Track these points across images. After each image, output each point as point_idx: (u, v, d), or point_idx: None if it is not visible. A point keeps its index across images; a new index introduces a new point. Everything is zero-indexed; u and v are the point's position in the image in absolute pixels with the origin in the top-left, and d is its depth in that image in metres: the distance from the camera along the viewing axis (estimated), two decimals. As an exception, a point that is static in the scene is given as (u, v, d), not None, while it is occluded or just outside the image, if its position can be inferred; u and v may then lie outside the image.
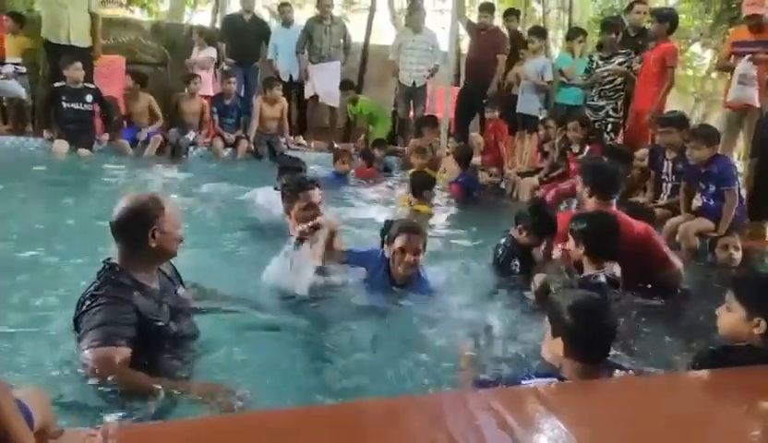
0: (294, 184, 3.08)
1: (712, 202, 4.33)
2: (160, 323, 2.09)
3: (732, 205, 4.20)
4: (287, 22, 7.96)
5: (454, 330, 2.68)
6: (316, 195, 3.02)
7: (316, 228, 2.95)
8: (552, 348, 1.97)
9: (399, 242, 2.81)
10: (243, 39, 7.70)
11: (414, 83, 7.64)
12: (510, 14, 7.95)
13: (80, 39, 6.77)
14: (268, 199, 4.29)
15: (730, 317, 2.19)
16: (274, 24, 8.54)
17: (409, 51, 7.57)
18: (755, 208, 4.81)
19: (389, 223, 2.98)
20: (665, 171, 4.89)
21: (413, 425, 1.63)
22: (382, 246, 2.97)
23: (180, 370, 2.10)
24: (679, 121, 4.77)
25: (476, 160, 6.79)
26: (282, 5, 8.23)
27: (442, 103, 8.53)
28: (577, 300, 1.96)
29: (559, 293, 2.66)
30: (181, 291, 2.33)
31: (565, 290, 2.24)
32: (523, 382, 1.86)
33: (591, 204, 3.32)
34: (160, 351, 2.09)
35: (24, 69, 7.01)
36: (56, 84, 6.52)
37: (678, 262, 3.30)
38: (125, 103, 7.11)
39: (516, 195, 6.22)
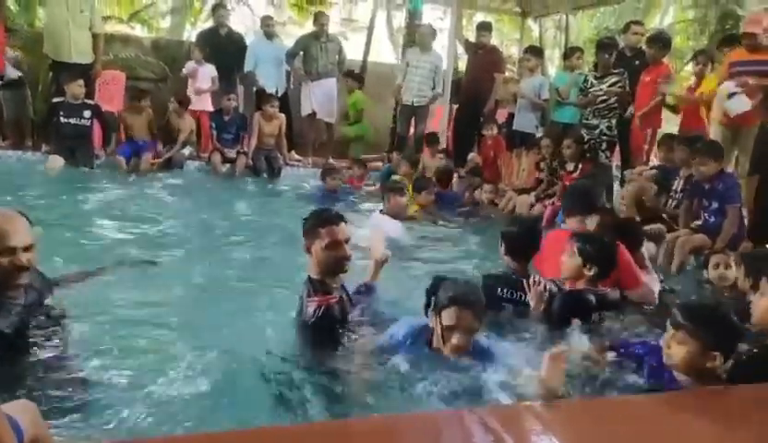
0: (315, 217, 2.64)
1: (713, 219, 4.35)
2: (7, 334, 2.10)
3: (733, 222, 4.22)
4: (269, 35, 7.93)
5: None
6: (342, 230, 2.58)
7: None
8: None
9: (447, 318, 2.16)
10: (219, 53, 7.69)
11: (412, 102, 7.67)
12: (482, 28, 7.77)
13: (81, 56, 6.85)
14: (381, 223, 4.48)
15: (764, 302, 2.39)
16: (252, 36, 8.57)
17: (413, 69, 7.62)
18: (757, 228, 4.72)
19: (437, 282, 2.29)
20: (674, 187, 4.94)
21: (408, 443, 1.62)
22: (427, 308, 2.30)
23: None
24: (694, 141, 4.85)
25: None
26: (265, 17, 8.29)
27: (438, 121, 8.63)
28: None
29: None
30: (49, 300, 2.33)
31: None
32: None
33: (569, 222, 3.41)
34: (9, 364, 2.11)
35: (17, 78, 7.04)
36: (55, 99, 6.57)
37: (647, 280, 3.23)
38: (123, 118, 7.10)
39: (512, 210, 6.23)
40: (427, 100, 7.70)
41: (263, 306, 2.96)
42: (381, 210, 4.81)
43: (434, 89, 7.64)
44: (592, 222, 3.34)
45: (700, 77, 5.68)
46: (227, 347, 2.44)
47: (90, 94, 6.78)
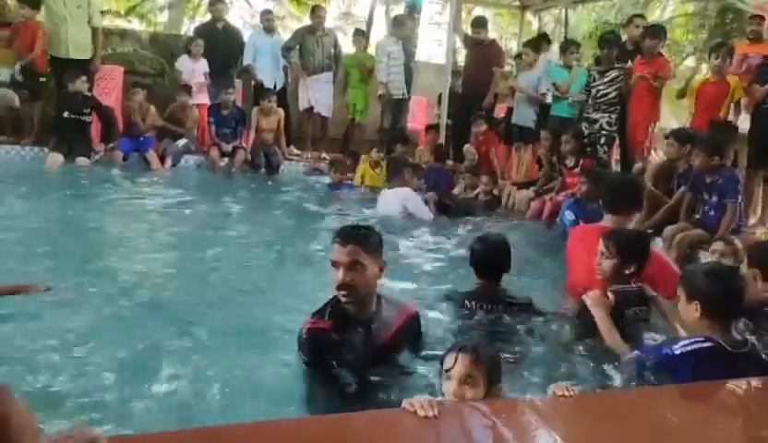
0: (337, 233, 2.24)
1: (712, 212, 4.38)
2: None
3: (731, 218, 4.26)
4: (269, 30, 7.91)
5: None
6: (343, 252, 2.13)
7: None
8: (689, 314, 2.16)
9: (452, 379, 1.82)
10: (216, 47, 7.66)
11: (402, 95, 7.73)
12: (477, 24, 7.67)
13: (80, 52, 6.85)
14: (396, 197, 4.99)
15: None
16: (250, 31, 8.54)
17: (394, 61, 7.63)
18: None
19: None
20: (671, 186, 4.95)
21: (406, 437, 1.61)
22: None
23: None
24: (680, 135, 4.88)
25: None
26: (265, 11, 8.25)
27: (423, 115, 8.68)
28: (712, 267, 2.22)
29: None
30: None
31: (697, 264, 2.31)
32: (674, 347, 2.09)
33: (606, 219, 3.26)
34: None
35: (21, 78, 7.01)
36: (60, 95, 6.60)
37: None
38: (127, 113, 7.09)
39: (513, 206, 6.23)
40: (404, 91, 7.78)
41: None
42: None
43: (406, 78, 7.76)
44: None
45: (719, 72, 5.43)
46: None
47: (89, 89, 6.78)
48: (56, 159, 6.32)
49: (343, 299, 2.13)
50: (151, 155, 6.83)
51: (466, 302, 2.77)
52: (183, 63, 7.63)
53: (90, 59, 6.96)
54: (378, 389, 2.12)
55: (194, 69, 7.60)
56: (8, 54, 6.83)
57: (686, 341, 2.10)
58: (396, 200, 5.22)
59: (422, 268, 3.95)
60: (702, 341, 2.06)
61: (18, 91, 6.87)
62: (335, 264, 2.13)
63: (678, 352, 2.07)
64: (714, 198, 4.36)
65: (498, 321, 2.71)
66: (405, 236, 4.66)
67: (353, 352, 2.13)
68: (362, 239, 2.16)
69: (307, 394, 2.16)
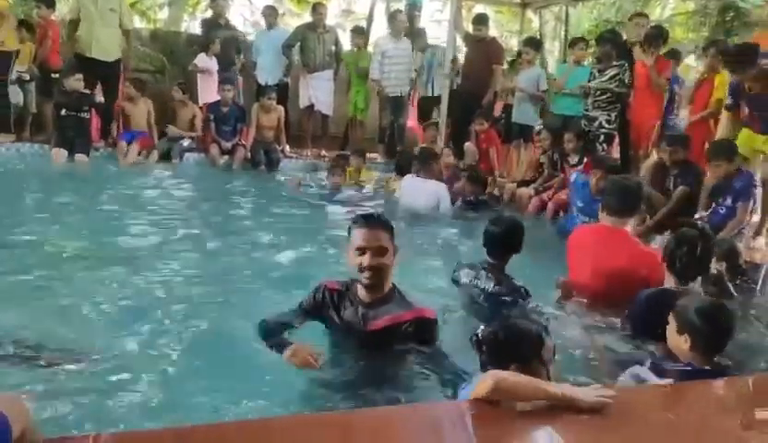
0: (360, 219, 2.32)
1: (723, 210, 4.43)
2: None
3: (741, 220, 4.31)
4: (270, 26, 7.93)
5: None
6: (367, 237, 2.22)
7: None
8: (678, 343, 2.23)
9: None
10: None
11: (400, 93, 7.72)
12: (478, 22, 7.61)
13: (103, 53, 6.90)
14: (428, 189, 5.07)
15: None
16: (249, 28, 8.57)
17: (389, 59, 7.60)
18: None
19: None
20: (666, 186, 4.96)
21: (407, 435, 1.62)
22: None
23: None
24: (683, 141, 4.96)
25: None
26: (267, 7, 8.25)
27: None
28: (703, 304, 2.25)
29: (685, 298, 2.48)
30: None
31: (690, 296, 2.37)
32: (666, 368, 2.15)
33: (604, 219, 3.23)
34: None
35: (28, 76, 7.00)
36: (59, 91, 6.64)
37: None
38: (123, 109, 7.11)
39: (510, 201, 6.23)
40: (407, 89, 7.77)
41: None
42: (418, 174, 5.25)
43: (410, 76, 7.74)
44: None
45: (712, 70, 5.55)
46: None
47: (114, 90, 6.98)
48: (61, 154, 6.37)
49: (367, 281, 2.23)
50: (133, 145, 6.79)
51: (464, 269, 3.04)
52: (202, 60, 7.57)
53: (112, 61, 6.98)
54: (379, 387, 2.14)
55: (211, 67, 7.59)
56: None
57: (674, 365, 2.20)
58: (429, 193, 5.18)
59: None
60: (685, 366, 2.18)
61: (24, 89, 6.92)
62: (362, 249, 2.21)
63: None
64: (729, 201, 4.42)
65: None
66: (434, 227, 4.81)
67: (339, 322, 2.31)
68: (386, 225, 2.29)
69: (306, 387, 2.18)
